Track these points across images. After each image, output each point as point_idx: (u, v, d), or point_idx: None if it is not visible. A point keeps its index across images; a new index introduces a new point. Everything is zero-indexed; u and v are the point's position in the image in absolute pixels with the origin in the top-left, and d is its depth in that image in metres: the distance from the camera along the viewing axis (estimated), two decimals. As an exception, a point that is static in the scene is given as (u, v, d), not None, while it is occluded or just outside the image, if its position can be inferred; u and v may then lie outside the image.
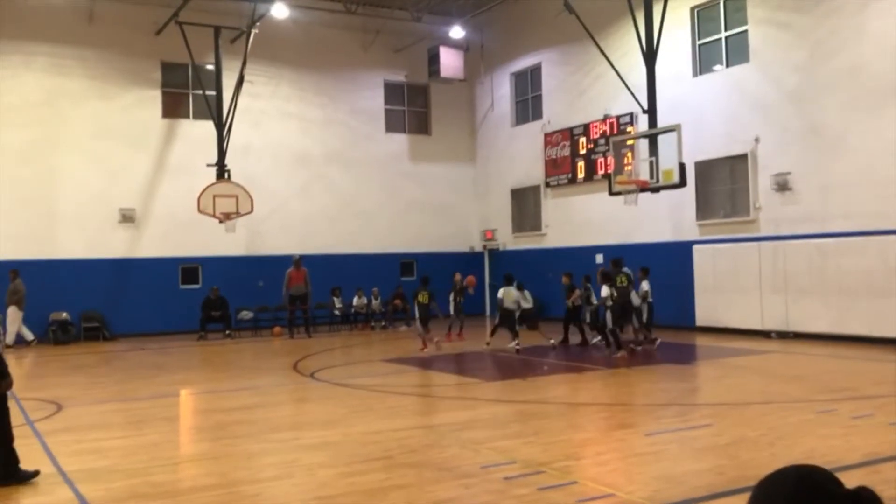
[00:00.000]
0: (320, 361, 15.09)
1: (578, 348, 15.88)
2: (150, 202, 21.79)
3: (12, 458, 6.64)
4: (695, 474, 6.37)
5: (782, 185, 16.83)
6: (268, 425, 8.99)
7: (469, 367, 14.73)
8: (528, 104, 24.85)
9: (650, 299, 15.64)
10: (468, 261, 25.14)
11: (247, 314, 21.96)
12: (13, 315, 18.62)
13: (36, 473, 6.70)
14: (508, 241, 25.19)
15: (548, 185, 23.49)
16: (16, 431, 6.89)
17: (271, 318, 21.43)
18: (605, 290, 14.37)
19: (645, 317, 15.50)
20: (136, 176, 21.63)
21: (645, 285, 15.61)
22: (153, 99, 22.07)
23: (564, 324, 16.59)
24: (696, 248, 18.65)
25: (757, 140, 17.41)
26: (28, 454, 7.06)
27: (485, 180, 26.25)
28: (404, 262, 25.07)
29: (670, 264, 18.60)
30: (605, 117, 21.28)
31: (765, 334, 16.77)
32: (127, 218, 21.43)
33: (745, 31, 17.90)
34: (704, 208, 18.79)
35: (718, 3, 18.68)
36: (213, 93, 21.15)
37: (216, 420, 9.59)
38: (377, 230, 24.62)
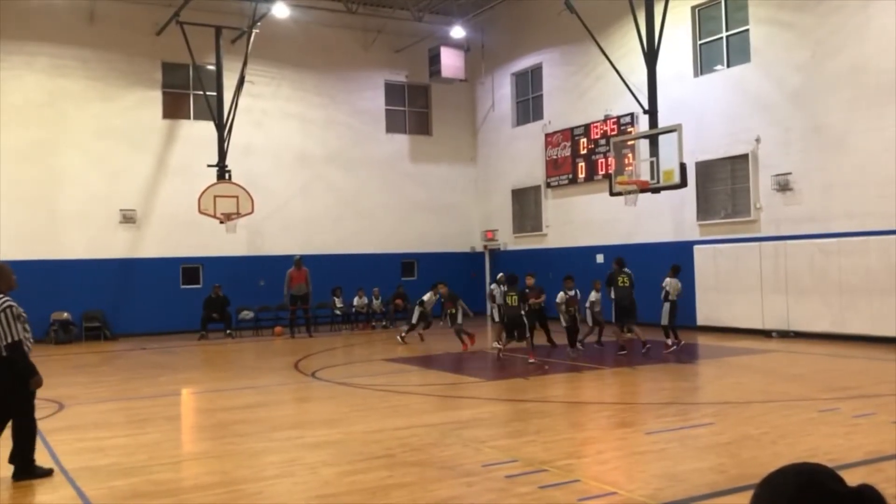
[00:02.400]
0: (321, 361, 15.11)
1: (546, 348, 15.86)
2: (151, 203, 21.79)
3: (32, 454, 6.73)
4: (696, 473, 6.37)
5: (783, 186, 16.82)
6: (269, 424, 8.99)
7: (470, 366, 14.72)
8: (528, 104, 24.84)
9: (672, 299, 14.83)
10: (469, 261, 25.15)
11: (248, 314, 21.96)
12: None
13: (50, 472, 6.75)
14: (509, 241, 25.17)
15: (548, 185, 23.48)
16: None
17: (272, 318, 21.45)
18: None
19: (666, 319, 14.82)
20: (137, 177, 21.63)
21: (667, 283, 14.94)
22: (154, 99, 22.07)
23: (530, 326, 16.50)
24: (696, 248, 18.64)
25: (758, 140, 17.40)
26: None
27: (485, 180, 26.24)
28: (405, 263, 25.07)
29: (671, 264, 18.53)
30: (606, 117, 21.28)
31: (766, 334, 16.77)
32: (128, 218, 21.43)
33: (747, 31, 17.89)
34: (705, 208, 18.78)
35: (720, 3, 18.66)
36: (214, 93, 21.14)
37: (218, 419, 9.60)
38: (378, 230, 24.61)
